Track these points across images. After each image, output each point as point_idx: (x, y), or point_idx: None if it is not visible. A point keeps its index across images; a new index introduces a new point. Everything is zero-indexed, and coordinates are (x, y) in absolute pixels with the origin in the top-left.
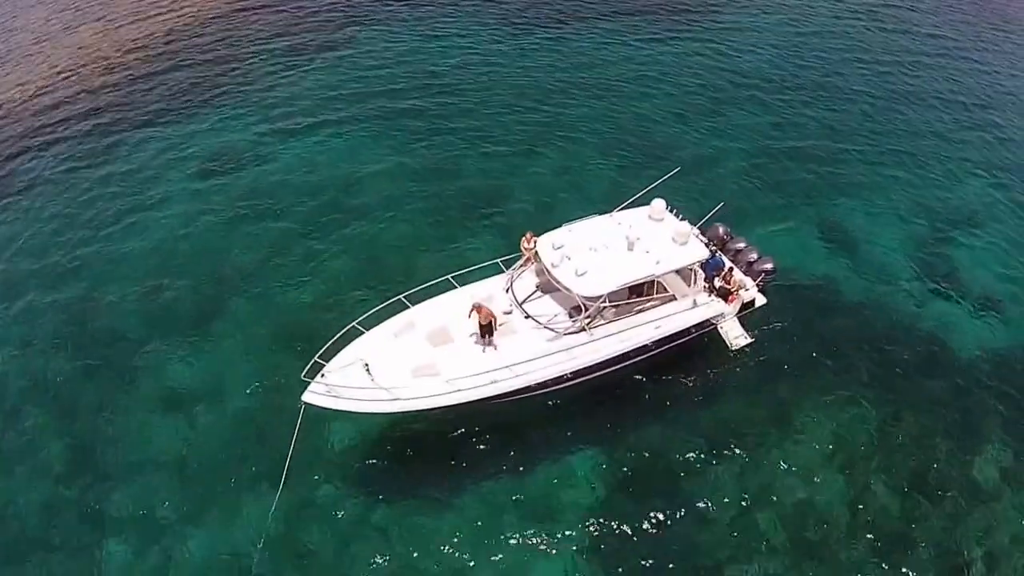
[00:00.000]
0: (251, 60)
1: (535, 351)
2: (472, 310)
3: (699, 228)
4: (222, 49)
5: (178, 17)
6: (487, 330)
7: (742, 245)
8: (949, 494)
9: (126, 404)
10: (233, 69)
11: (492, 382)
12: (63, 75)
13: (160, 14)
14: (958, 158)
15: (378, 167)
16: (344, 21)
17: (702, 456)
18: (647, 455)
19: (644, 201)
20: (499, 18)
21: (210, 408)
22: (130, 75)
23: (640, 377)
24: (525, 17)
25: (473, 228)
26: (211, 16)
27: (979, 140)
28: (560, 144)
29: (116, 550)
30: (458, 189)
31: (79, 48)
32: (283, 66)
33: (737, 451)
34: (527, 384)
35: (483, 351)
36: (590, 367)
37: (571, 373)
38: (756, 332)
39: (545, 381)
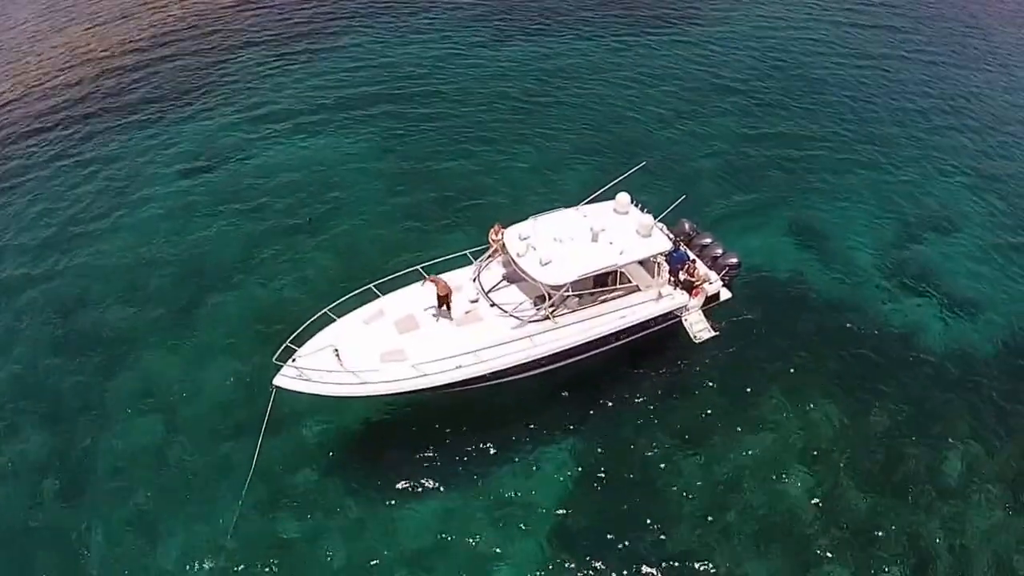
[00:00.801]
0: (237, 58)
1: (500, 338)
2: (427, 282)
3: (661, 220)
4: (208, 48)
5: (165, 17)
6: (443, 301)
7: (708, 240)
8: (916, 489)
9: (107, 390)
10: (219, 67)
11: (457, 367)
12: (52, 73)
13: (147, 14)
14: (932, 156)
15: (359, 162)
16: (329, 20)
17: (670, 447)
18: (615, 445)
19: (610, 195)
20: (482, 19)
21: (189, 394)
22: (118, 73)
23: (608, 368)
24: (507, 18)
25: (450, 221)
26: (198, 15)
27: (954, 138)
28: (538, 140)
29: (95, 535)
30: (437, 184)
31: (68, 47)
32: (268, 64)
33: (705, 443)
34: (491, 370)
35: (448, 325)
36: (555, 355)
37: (536, 361)
38: (724, 325)
39: (510, 368)
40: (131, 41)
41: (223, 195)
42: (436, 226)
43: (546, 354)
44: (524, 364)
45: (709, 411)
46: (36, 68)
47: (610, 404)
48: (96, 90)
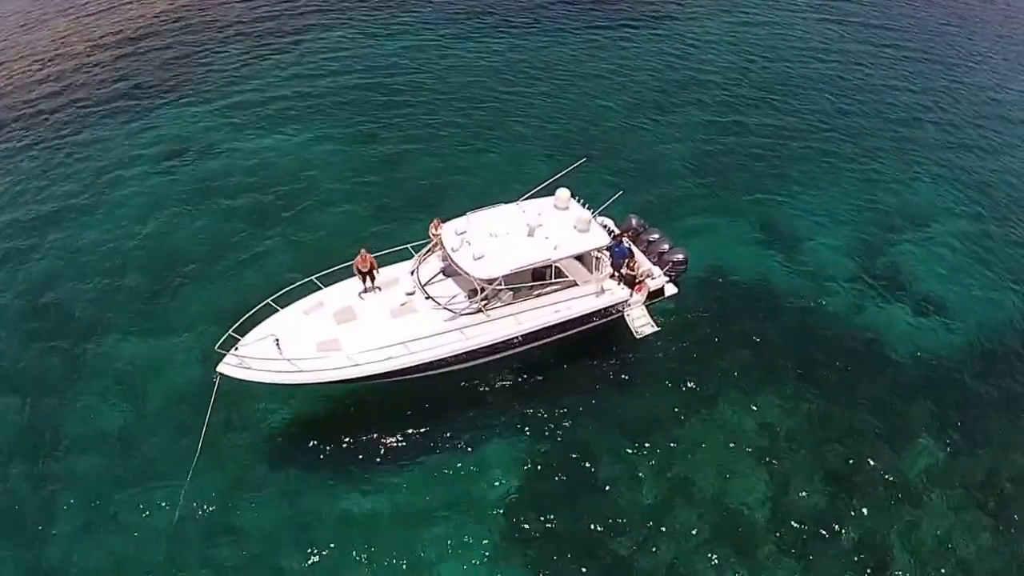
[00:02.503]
0: (217, 50)
1: (432, 330)
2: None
3: (605, 215)
4: (186, 42)
5: (149, 9)
6: (368, 275)
7: (656, 236)
8: (874, 492)
9: (71, 369)
10: (199, 59)
11: (389, 358)
12: (35, 64)
13: (132, 7)
14: (908, 155)
15: (329, 159)
16: (306, 17)
17: (621, 442)
18: (565, 439)
19: (554, 189)
20: (459, 15)
21: (149, 377)
22: (101, 63)
23: (562, 361)
24: (483, 14)
25: (413, 217)
26: (178, 10)
27: (932, 137)
28: (509, 135)
29: (56, 519)
30: (405, 178)
31: (53, 37)
32: (247, 57)
33: (658, 437)
34: (423, 361)
35: (383, 317)
36: (488, 348)
37: (468, 353)
38: (683, 321)
39: (442, 359)
40: (115, 33)
41: (197, 184)
42: (402, 222)
43: (478, 347)
44: (457, 356)
45: (663, 406)
46: (20, 57)
47: (562, 398)
48: (78, 80)
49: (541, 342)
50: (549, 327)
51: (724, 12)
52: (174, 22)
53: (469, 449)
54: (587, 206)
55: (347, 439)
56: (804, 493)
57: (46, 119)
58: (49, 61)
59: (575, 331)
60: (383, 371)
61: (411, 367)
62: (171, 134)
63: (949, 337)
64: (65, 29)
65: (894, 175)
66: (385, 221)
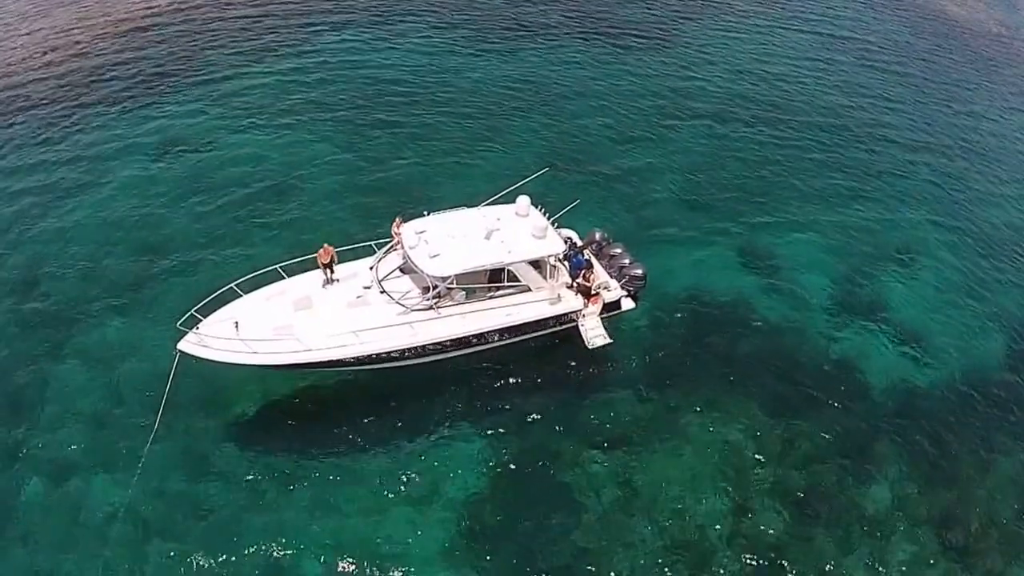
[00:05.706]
0: (213, 52)
1: (382, 322)
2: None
3: (569, 227)
4: (188, 37)
5: (148, 3)
6: (328, 267)
7: (618, 251)
8: (836, 520)
9: (53, 354)
10: (195, 60)
11: (339, 346)
12: (34, 56)
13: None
14: (897, 188)
15: (319, 161)
16: (306, 22)
17: (581, 451)
18: (527, 443)
19: (511, 197)
20: (455, 30)
21: (126, 360)
22: (98, 59)
23: (526, 365)
24: (482, 30)
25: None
26: (180, 8)
27: (923, 172)
28: (497, 149)
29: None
30: (391, 185)
31: (52, 31)
32: (243, 60)
33: (618, 450)
34: (371, 352)
35: (338, 307)
36: (437, 344)
37: (417, 348)
38: (647, 335)
39: (391, 352)
40: (114, 29)
41: (186, 180)
42: (382, 219)
43: (426, 342)
44: (405, 350)
45: (628, 418)
46: (20, 49)
47: (527, 402)
48: (75, 73)
49: (492, 344)
50: (498, 330)
51: (725, 40)
52: (174, 15)
53: (431, 446)
54: (547, 214)
55: (310, 429)
56: (763, 517)
57: (42, 110)
58: (48, 51)
59: (527, 336)
60: (333, 358)
61: (360, 357)
62: (166, 126)
63: (927, 370)
64: (66, 21)
65: (883, 205)
66: (365, 219)
